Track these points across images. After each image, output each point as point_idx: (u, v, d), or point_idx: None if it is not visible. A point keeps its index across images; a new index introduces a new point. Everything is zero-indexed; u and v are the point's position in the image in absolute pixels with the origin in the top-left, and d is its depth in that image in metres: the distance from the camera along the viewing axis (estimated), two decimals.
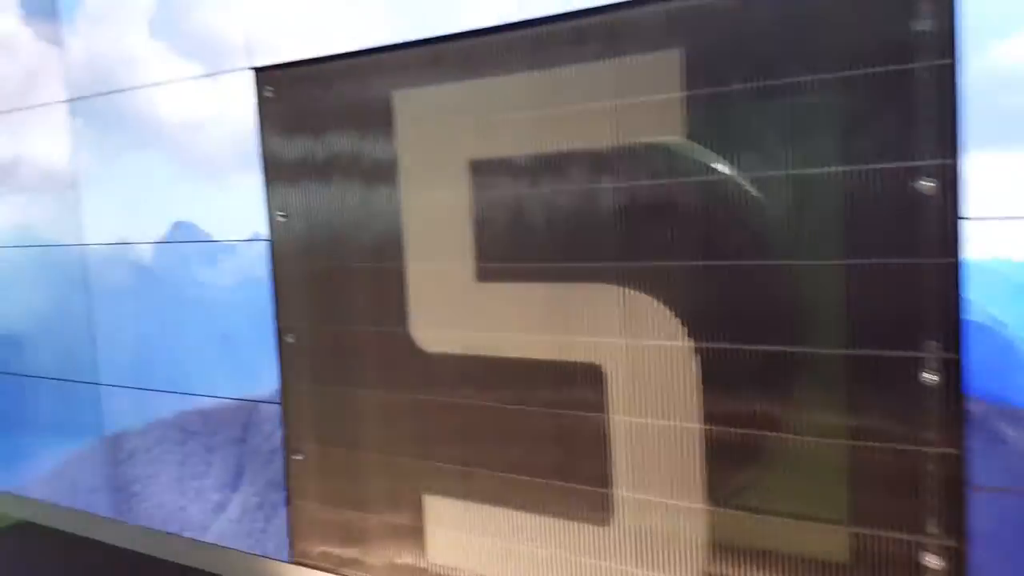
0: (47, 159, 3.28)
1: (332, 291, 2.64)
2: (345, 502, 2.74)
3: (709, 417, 2.06)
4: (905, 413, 1.83)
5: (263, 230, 2.75)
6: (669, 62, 1.94)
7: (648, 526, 2.20)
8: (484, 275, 2.35)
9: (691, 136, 1.98)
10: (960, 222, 1.71)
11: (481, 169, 2.28)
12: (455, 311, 2.42)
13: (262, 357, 2.82)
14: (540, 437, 2.33)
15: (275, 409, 2.83)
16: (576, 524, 2.30)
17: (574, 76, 2.07)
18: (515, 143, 2.21)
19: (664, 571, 2.17)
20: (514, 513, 2.41)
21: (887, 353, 1.84)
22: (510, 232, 2.28)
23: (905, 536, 1.87)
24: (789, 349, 1.95)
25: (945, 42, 1.68)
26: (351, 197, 2.53)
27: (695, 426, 2.09)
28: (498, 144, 2.24)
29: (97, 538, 3.47)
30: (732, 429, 2.04)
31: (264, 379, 2.84)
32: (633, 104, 1.99)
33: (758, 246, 1.96)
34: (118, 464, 3.29)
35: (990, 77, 1.65)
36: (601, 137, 2.06)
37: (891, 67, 1.74)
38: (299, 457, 2.82)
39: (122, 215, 3.07)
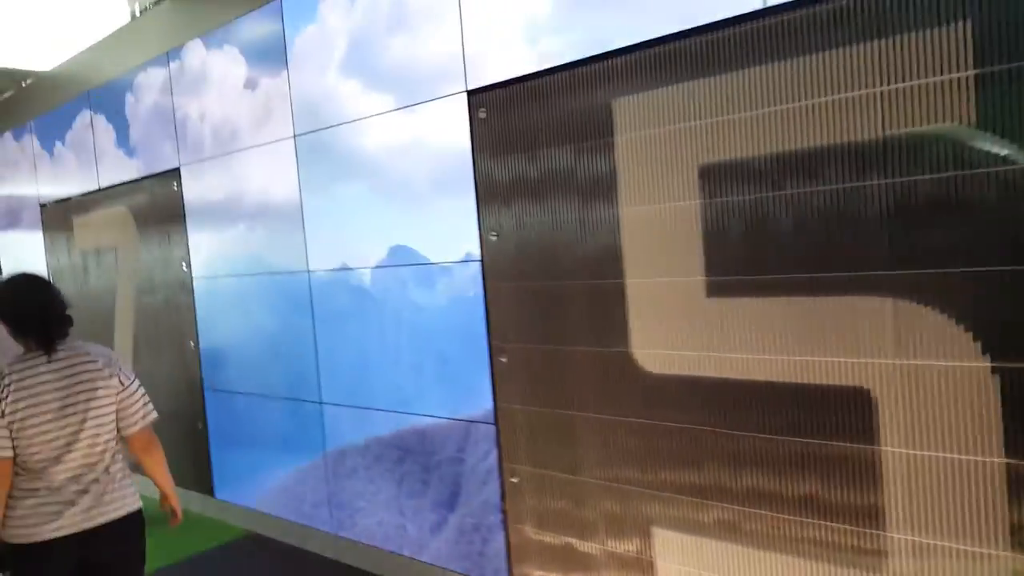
0: (277, 191, 3.53)
1: (545, 310, 2.57)
2: (564, 527, 2.64)
3: (1013, 449, 1.73)
4: None
5: (476, 250, 2.75)
6: (955, 36, 1.66)
7: (929, 574, 1.89)
8: (715, 289, 2.16)
9: (982, 121, 1.69)
10: None
11: (713, 174, 2.11)
12: (683, 329, 2.25)
13: (476, 377, 2.80)
14: (787, 468, 2.09)
15: (490, 429, 2.80)
16: (833, 567, 2.04)
17: (826, 63, 1.85)
18: (753, 143, 2.01)
19: None
20: (755, 551, 2.19)
21: None
22: (746, 241, 2.08)
23: None
24: None
25: None
26: (566, 213, 2.45)
27: (994, 460, 1.76)
28: (733, 146, 2.05)
29: (318, 552, 3.63)
30: None
31: (478, 399, 2.82)
32: (906, 88, 1.74)
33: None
34: (339, 480, 3.43)
35: None
36: (863, 128, 1.82)
37: None
38: (515, 479, 2.76)
39: (343, 241, 3.22)
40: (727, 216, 2.11)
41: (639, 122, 2.23)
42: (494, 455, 2.81)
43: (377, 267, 3.11)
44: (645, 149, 2.24)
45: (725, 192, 2.10)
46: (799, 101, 1.91)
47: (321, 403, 3.46)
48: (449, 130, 2.75)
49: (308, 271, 3.41)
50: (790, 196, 1.97)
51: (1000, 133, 1.68)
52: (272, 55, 3.39)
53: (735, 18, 2.00)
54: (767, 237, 2.04)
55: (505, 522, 2.80)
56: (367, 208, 3.13)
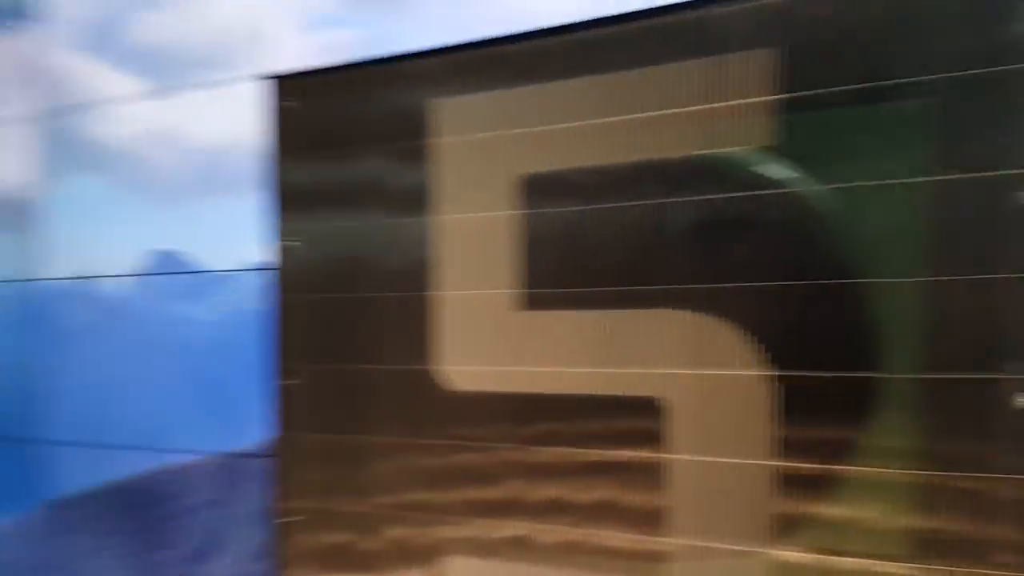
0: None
1: (349, 326, 2.36)
2: (351, 564, 2.39)
3: (785, 452, 1.92)
4: (994, 439, 1.75)
5: (269, 258, 2.46)
6: (761, 62, 1.87)
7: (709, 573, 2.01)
8: (528, 303, 2.16)
9: (777, 143, 1.90)
10: None
11: (530, 185, 2.12)
12: (493, 343, 2.20)
13: (254, 403, 2.47)
14: (583, 479, 2.11)
15: (265, 464, 2.48)
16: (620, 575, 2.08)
17: (642, 80, 1.98)
18: (572, 155, 2.07)
19: None
20: (546, 568, 2.16)
21: (978, 375, 1.77)
22: (560, 254, 2.11)
23: (991, 572, 1.77)
24: (874, 375, 1.85)
25: None
26: (376, 218, 2.30)
27: (768, 463, 1.94)
28: (552, 157, 2.09)
29: None
30: (809, 464, 1.90)
31: (254, 429, 2.49)
32: (716, 109, 1.91)
33: (838, 263, 1.87)
34: (58, 538, 2.79)
35: None
36: (674, 146, 1.96)
37: (995, 68, 1.73)
38: (295, 518, 2.46)
39: (85, 244, 2.70)
40: (543, 228, 2.13)
41: (456, 126, 2.19)
42: (268, 492, 2.48)
43: (129, 275, 2.65)
44: (462, 155, 2.20)
45: (541, 203, 2.13)
46: (618, 116, 2.01)
47: (37, 442, 2.82)
48: (238, 120, 2.46)
49: (32, 280, 2.81)
50: (605, 210, 2.04)
51: (791, 157, 1.91)
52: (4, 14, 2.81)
53: (561, 27, 2.06)
54: (581, 250, 2.09)
55: (279, 568, 2.47)
56: (120, 206, 2.67)
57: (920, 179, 1.78)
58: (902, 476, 1.82)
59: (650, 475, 2.03)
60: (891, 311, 1.83)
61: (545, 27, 2.09)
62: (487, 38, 2.15)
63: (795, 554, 1.90)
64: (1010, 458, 1.74)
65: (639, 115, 2.00)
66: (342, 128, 2.37)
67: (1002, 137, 1.73)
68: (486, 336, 2.20)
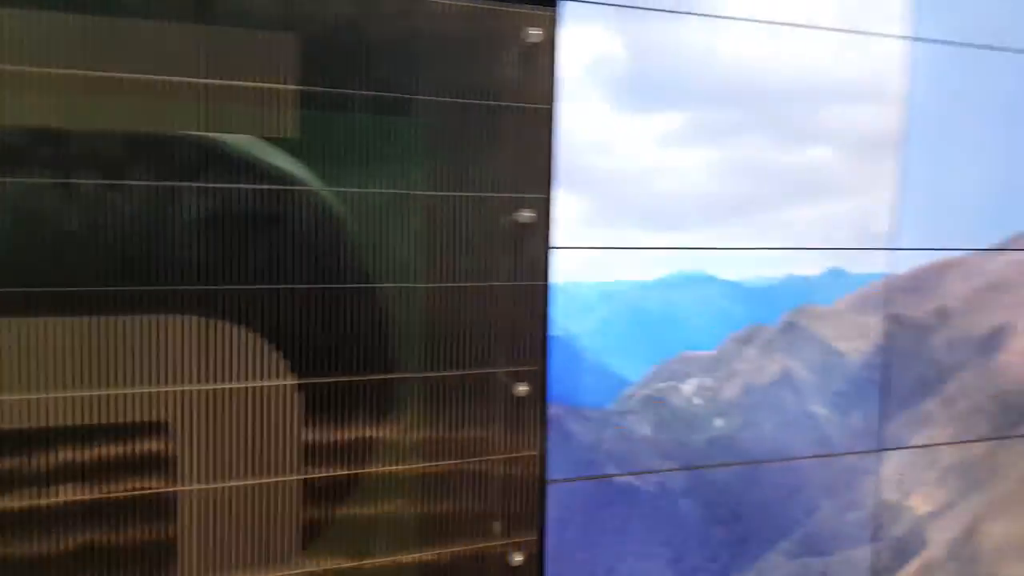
0: None
1: None
2: None
3: (312, 463, 1.79)
4: (501, 425, 1.95)
5: None
6: (283, 46, 1.59)
7: None
8: None
9: (295, 138, 1.67)
10: (551, 249, 1.92)
11: None
12: None
13: None
14: (68, 532, 1.63)
15: None
16: None
17: (134, 32, 1.50)
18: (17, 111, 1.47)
19: None
20: None
21: (486, 369, 1.92)
22: (13, 243, 1.52)
23: (496, 540, 1.99)
24: (398, 376, 1.85)
25: (547, 89, 1.87)
26: None
27: (294, 477, 1.78)
28: None
29: None
30: (335, 471, 1.82)
31: None
32: (230, 87, 1.56)
33: (359, 268, 1.79)
34: None
35: (576, 128, 1.91)
36: (177, 121, 1.55)
37: (500, 102, 1.83)
38: None
39: None
40: None
41: None
42: None
43: None
44: None
45: None
46: (91, 70, 1.50)
47: None
48: None
49: None
50: (77, 189, 1.52)
51: (317, 155, 1.71)
52: None
53: None
54: (44, 239, 1.53)
55: None
56: None
57: (429, 192, 1.82)
58: (421, 470, 1.89)
59: (155, 512, 1.67)
60: (404, 315, 1.85)
61: None
62: None
63: (326, 565, 1.81)
64: (512, 438, 1.96)
65: (125, 75, 1.54)
66: None
67: (498, 164, 1.88)
68: None
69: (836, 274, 2.23)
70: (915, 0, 2.19)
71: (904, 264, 2.30)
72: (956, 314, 2.40)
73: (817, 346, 2.25)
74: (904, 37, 2.20)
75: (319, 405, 1.78)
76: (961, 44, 2.27)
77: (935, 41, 2.24)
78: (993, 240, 2.42)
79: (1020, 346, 2.50)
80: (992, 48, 2.30)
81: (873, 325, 2.29)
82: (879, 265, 2.27)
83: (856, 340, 2.28)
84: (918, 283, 2.33)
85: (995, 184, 2.39)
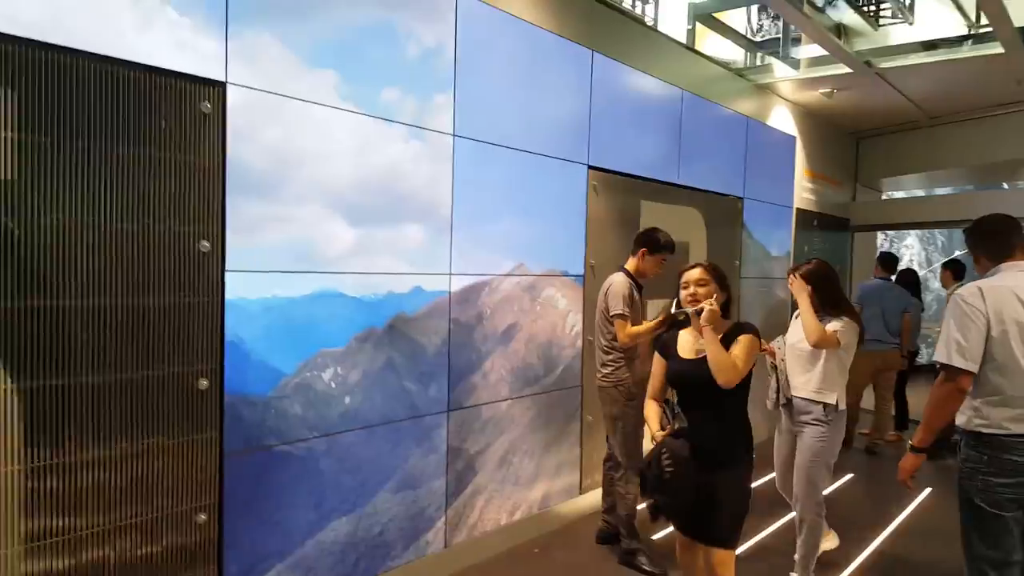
0: None
1: None
2: None
3: (32, 456, 2.05)
4: (187, 413, 2.45)
5: None
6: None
7: None
8: None
9: (20, 178, 1.97)
10: (226, 272, 2.50)
11: None
12: None
13: None
14: None
15: None
16: None
17: None
18: None
19: None
20: None
21: (175, 369, 2.41)
22: None
23: (184, 506, 2.46)
24: (99, 378, 2.22)
25: (216, 145, 2.46)
26: None
27: (15, 468, 2.02)
28: None
29: None
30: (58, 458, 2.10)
31: None
32: None
33: (55, 285, 2.14)
34: None
35: (240, 177, 2.54)
36: None
37: (185, 155, 2.37)
38: None
39: None
40: None
41: None
42: None
43: None
44: None
45: None
46: None
47: None
48: None
49: None
50: None
51: (32, 190, 2.03)
52: None
53: None
54: None
55: None
56: None
57: (123, 224, 2.28)
58: (127, 448, 2.27)
59: None
60: (94, 326, 2.25)
61: None
62: None
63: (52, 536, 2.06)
64: (196, 423, 2.46)
65: None
66: None
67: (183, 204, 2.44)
68: None
69: (417, 292, 3.27)
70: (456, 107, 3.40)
71: (457, 284, 3.47)
72: (487, 317, 3.67)
73: (408, 341, 3.25)
74: (451, 134, 3.39)
75: (39, 404, 2.07)
76: (482, 141, 3.56)
77: (468, 138, 3.48)
78: (505, 269, 3.77)
79: (524, 337, 3.90)
80: (497, 145, 3.65)
81: (441, 326, 3.40)
82: (443, 285, 3.40)
83: (432, 336, 3.36)
84: (466, 296, 3.53)
85: (505, 235, 3.75)
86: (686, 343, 2.60)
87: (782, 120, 6.43)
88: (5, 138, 1.98)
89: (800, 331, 3.38)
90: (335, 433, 2.95)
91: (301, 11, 2.72)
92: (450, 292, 3.42)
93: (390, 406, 3.18)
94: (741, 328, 2.52)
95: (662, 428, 2.57)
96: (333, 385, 2.94)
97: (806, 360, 3.36)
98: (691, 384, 2.54)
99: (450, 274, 3.41)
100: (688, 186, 5.13)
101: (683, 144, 5.05)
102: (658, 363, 2.68)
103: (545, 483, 4.09)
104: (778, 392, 3.49)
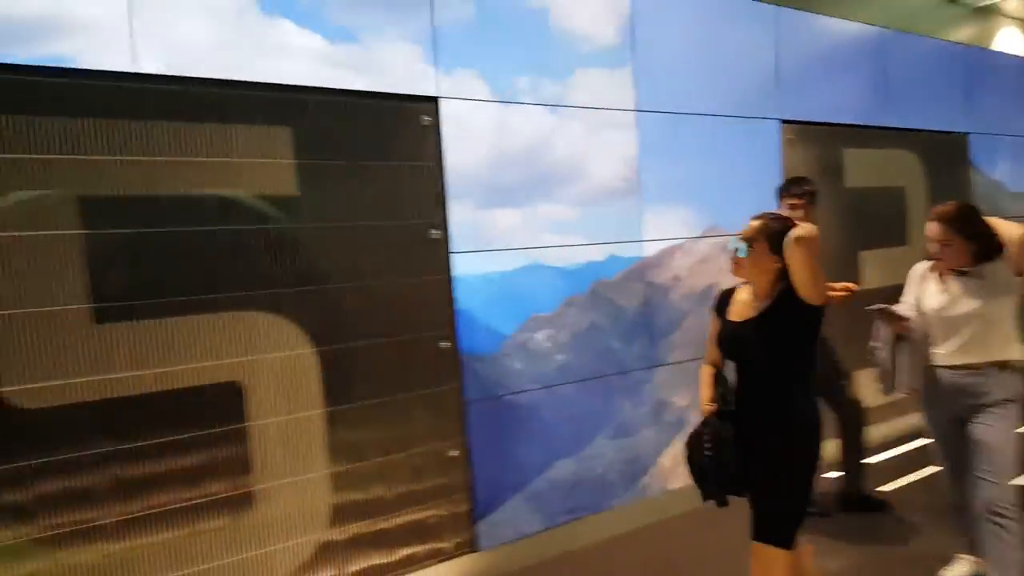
0: None
1: None
2: None
3: (330, 402, 2.77)
4: (434, 369, 3.05)
5: None
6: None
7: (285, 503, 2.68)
8: (104, 316, 2.31)
9: (298, 192, 2.69)
10: (451, 254, 3.07)
11: (94, 206, 2.30)
12: (69, 358, 2.24)
13: None
14: (180, 463, 2.45)
15: None
16: (215, 540, 2.52)
17: (183, 131, 2.45)
18: (131, 184, 2.37)
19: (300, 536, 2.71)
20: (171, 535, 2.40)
21: (422, 334, 3.02)
22: (132, 270, 2.36)
23: (439, 444, 3.07)
24: (368, 343, 2.88)
25: (436, 150, 3.03)
26: None
27: (318, 411, 2.74)
28: (114, 183, 2.33)
29: None
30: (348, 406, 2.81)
31: None
32: (240, 163, 2.57)
33: (332, 274, 2.82)
34: None
35: (457, 174, 3.09)
36: (216, 185, 2.52)
37: (413, 162, 2.97)
38: None
39: None
40: (110, 247, 2.32)
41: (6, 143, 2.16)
42: None
43: None
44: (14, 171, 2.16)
45: (107, 225, 2.31)
46: (164, 156, 2.43)
47: None
48: None
49: None
50: (167, 233, 2.43)
51: (309, 202, 2.73)
52: None
53: (107, 72, 2.32)
54: (151, 266, 2.39)
55: None
56: None
57: (377, 222, 2.91)
58: (391, 400, 2.92)
59: (237, 439, 2.55)
60: (360, 303, 2.90)
61: (119, 71, 2.32)
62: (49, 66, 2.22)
63: (347, 465, 2.78)
64: (440, 376, 3.06)
65: (199, 159, 2.49)
66: None
67: (414, 201, 3.04)
68: (64, 350, 2.24)
69: (613, 259, 3.63)
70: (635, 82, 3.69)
71: (650, 250, 3.77)
72: (683, 278, 3.92)
73: (609, 304, 3.62)
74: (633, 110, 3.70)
75: (329, 364, 2.77)
76: (665, 112, 3.80)
77: (651, 111, 3.75)
78: (698, 231, 3.98)
79: None
80: (680, 113, 3.86)
81: (638, 289, 3.73)
82: (636, 251, 3.72)
83: (630, 298, 3.70)
84: (660, 260, 3.81)
85: (694, 199, 3.96)
86: (739, 304, 2.27)
87: (1012, 43, 5.78)
88: (287, 164, 2.68)
89: (946, 296, 2.61)
90: (553, 386, 3.42)
91: (495, 24, 3.20)
92: (643, 257, 3.73)
93: (598, 362, 3.58)
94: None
95: (713, 401, 2.25)
96: (547, 344, 3.41)
97: (970, 322, 2.55)
98: (736, 350, 2.24)
99: (641, 240, 3.72)
100: (898, 128, 4.89)
101: (889, 84, 4.83)
102: (712, 324, 2.38)
103: None
104: (897, 372, 2.75)
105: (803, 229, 2.05)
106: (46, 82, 2.23)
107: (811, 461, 2.17)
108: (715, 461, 2.14)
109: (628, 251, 3.68)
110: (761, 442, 2.14)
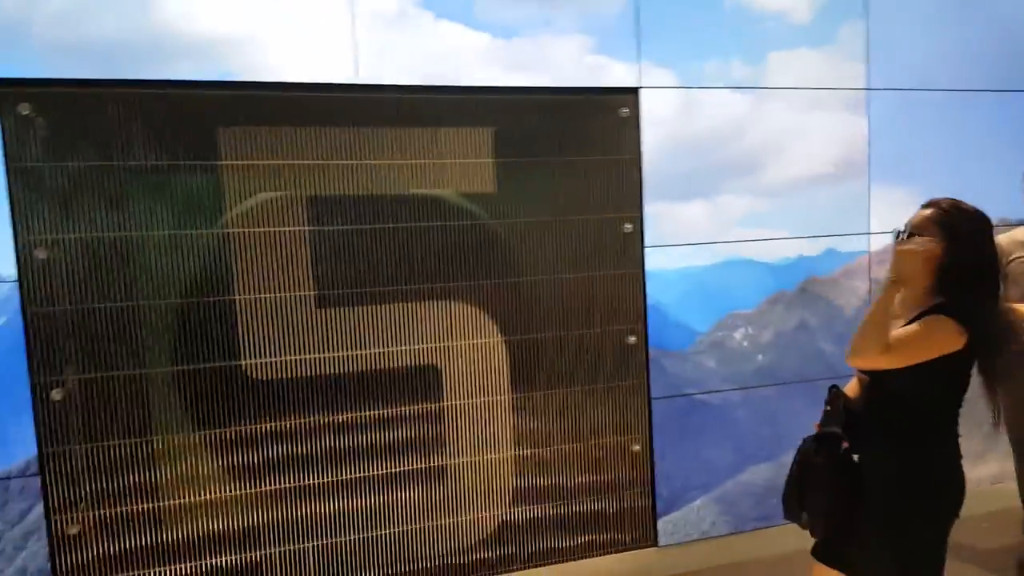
0: None
1: (120, 333, 2.45)
2: (144, 563, 2.52)
3: (517, 389, 2.91)
4: (621, 363, 3.05)
5: (7, 271, 2.33)
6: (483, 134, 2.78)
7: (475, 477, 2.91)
8: (323, 302, 2.65)
9: (496, 190, 2.81)
10: (645, 248, 3.02)
11: (319, 206, 2.62)
12: (294, 337, 2.63)
13: (7, 425, 2.34)
14: (381, 432, 2.77)
15: (30, 483, 2.38)
16: (416, 490, 2.81)
17: (396, 135, 2.68)
18: (350, 185, 2.65)
19: (486, 510, 2.91)
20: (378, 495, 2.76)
21: (610, 327, 3.03)
22: (347, 262, 2.66)
23: (621, 437, 3.09)
24: (552, 334, 2.96)
25: (634, 143, 2.97)
26: (155, 228, 2.47)
27: (507, 397, 2.91)
28: (335, 185, 2.64)
29: None
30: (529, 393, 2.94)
31: (10, 450, 2.35)
32: (449, 163, 2.74)
33: (524, 267, 2.91)
34: None
35: (655, 168, 3.01)
36: (423, 184, 2.73)
37: (609, 156, 2.95)
38: (73, 531, 2.44)
39: None
40: (331, 241, 2.64)
41: (245, 151, 2.54)
42: (37, 511, 2.40)
43: None
44: (251, 175, 2.56)
45: (329, 222, 2.63)
46: (377, 159, 2.67)
47: None
48: None
49: None
50: (376, 229, 2.69)
51: (506, 199, 2.84)
52: None
53: (329, 84, 2.59)
54: (363, 259, 2.68)
55: None
56: None
57: (574, 216, 2.93)
58: (580, 391, 2.99)
59: (433, 417, 2.81)
60: (545, 296, 2.96)
61: (342, 83, 2.61)
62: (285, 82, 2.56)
63: (531, 450, 2.93)
64: (627, 371, 3.05)
65: (409, 161, 2.70)
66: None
67: (608, 195, 3.01)
68: (292, 331, 2.63)
69: (830, 253, 3.30)
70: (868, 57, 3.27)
71: (878, 243, 3.36)
72: None
73: (823, 302, 3.32)
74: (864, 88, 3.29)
75: (518, 353, 2.90)
76: (899, 89, 3.33)
77: (884, 88, 3.31)
78: None
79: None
80: (916, 90, 3.36)
81: (860, 287, 3.36)
82: (861, 245, 3.34)
83: (849, 297, 3.35)
84: (889, 255, 3.39)
85: (931, 184, 3.44)
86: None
87: None
88: (488, 163, 2.80)
89: None
90: (750, 387, 3.24)
91: (692, 7, 3.02)
92: (869, 252, 3.34)
93: (805, 365, 3.31)
94: (942, 308, 1.80)
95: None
96: (745, 344, 3.23)
97: None
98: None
99: (868, 233, 3.33)
100: None
101: None
102: None
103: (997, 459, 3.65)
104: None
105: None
106: (283, 96, 2.56)
107: (936, 526, 1.86)
108: (790, 478, 2.06)
109: (850, 245, 3.33)
110: (876, 494, 1.89)
